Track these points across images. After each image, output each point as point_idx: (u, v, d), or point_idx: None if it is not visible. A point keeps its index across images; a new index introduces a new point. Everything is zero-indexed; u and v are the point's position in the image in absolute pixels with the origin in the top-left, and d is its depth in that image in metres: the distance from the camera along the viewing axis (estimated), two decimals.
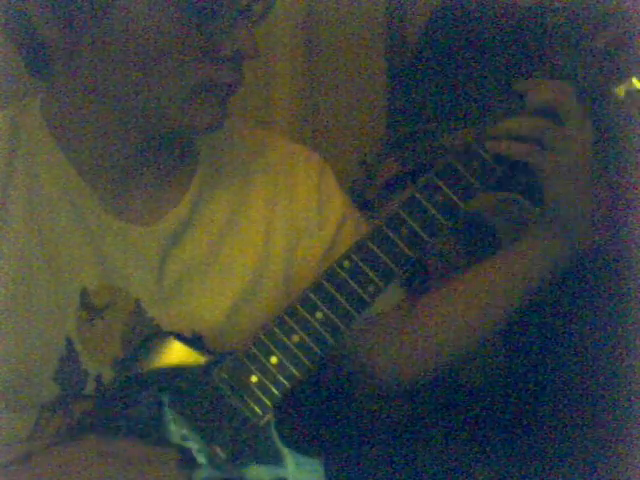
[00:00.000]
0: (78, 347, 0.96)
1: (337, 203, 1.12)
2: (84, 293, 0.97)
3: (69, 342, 0.96)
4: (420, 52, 2.04)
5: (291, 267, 1.08)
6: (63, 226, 0.97)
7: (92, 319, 0.97)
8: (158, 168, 1.01)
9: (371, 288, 0.93)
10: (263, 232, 1.06)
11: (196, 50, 0.89)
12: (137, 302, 0.99)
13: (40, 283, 0.96)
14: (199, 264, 1.02)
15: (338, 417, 1.66)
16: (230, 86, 0.94)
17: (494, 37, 1.90)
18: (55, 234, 0.97)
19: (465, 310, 1.09)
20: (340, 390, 1.30)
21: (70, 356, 0.96)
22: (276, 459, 0.93)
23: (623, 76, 0.91)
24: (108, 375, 0.96)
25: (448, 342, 1.11)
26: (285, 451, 0.93)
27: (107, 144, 0.97)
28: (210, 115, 0.93)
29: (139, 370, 0.91)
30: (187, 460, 0.90)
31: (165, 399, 0.91)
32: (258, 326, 1.01)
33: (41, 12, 0.88)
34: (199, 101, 0.92)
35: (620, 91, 0.92)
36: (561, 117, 0.92)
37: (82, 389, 0.96)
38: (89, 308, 0.97)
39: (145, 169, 1.00)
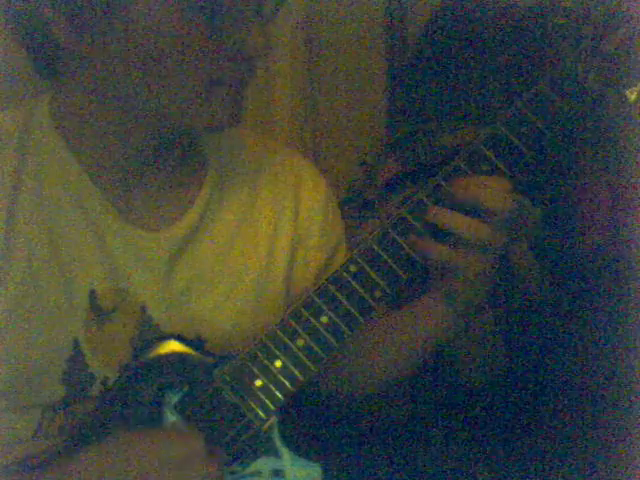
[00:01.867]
0: (85, 349, 0.96)
1: (338, 225, 1.14)
2: (93, 294, 0.97)
3: (76, 344, 0.95)
4: (420, 52, 2.04)
5: (293, 274, 1.08)
6: (71, 228, 0.97)
7: (100, 321, 0.97)
8: (166, 173, 1.01)
9: (377, 293, 0.92)
10: (269, 239, 1.06)
11: (207, 48, 0.89)
12: (142, 307, 0.99)
13: (48, 284, 0.95)
14: (205, 271, 1.02)
15: (338, 417, 1.66)
16: (242, 82, 0.93)
17: (494, 37, 1.90)
18: (63, 236, 0.96)
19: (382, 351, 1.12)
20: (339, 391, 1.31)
21: (77, 358, 0.96)
22: (275, 456, 0.93)
23: (634, 80, 0.90)
24: (114, 378, 0.95)
25: (374, 369, 1.13)
26: (285, 453, 0.92)
27: (115, 146, 0.96)
28: (226, 111, 0.93)
29: (141, 371, 0.91)
30: (211, 444, 0.89)
31: (166, 400, 0.91)
32: (261, 331, 1.02)
33: (54, 13, 0.88)
34: (213, 97, 0.91)
35: (631, 95, 0.92)
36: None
37: (88, 391, 0.96)
38: (97, 310, 0.97)
39: (153, 174, 1.00)
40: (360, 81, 2.14)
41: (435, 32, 2.00)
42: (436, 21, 2.00)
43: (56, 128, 0.98)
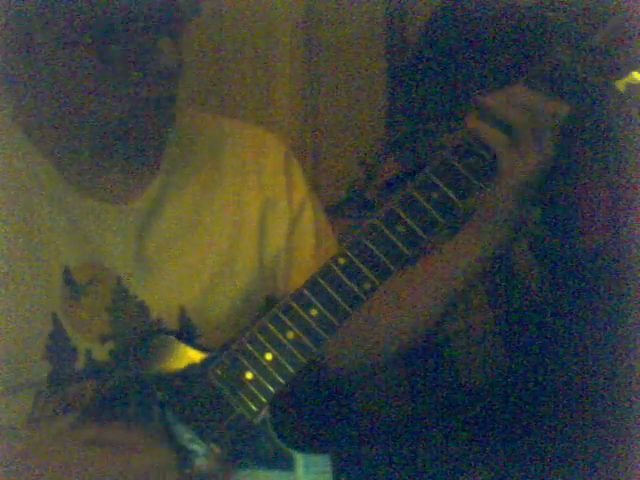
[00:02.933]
0: (65, 323, 0.98)
1: (301, 184, 1.15)
2: (66, 271, 0.99)
3: (55, 319, 0.98)
4: (420, 52, 2.04)
5: (264, 240, 1.10)
6: (40, 211, 1.00)
7: (75, 296, 0.99)
8: (126, 150, 1.03)
9: (366, 285, 0.93)
10: (235, 206, 1.09)
11: (121, 75, 0.92)
12: (118, 278, 1.01)
13: (22, 267, 0.98)
14: (175, 240, 1.04)
15: (339, 417, 1.66)
16: (168, 96, 0.97)
17: (494, 37, 1.90)
18: (33, 219, 0.99)
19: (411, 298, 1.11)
20: (341, 390, 1.30)
21: (58, 332, 0.98)
22: (285, 462, 0.93)
23: (623, 71, 0.91)
24: (97, 350, 0.98)
25: (396, 328, 1.13)
26: (293, 452, 0.93)
27: (74, 132, 1.00)
28: (154, 124, 0.98)
29: (136, 368, 0.93)
30: (178, 447, 0.90)
31: (162, 397, 0.92)
32: (235, 299, 1.04)
33: None
34: (139, 112, 0.95)
35: (621, 86, 0.92)
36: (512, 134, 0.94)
37: (72, 364, 0.98)
38: (72, 285, 0.99)
39: (113, 152, 1.03)
40: (360, 81, 2.14)
41: (435, 32, 2.00)
42: (436, 21, 2.00)
43: (16, 122, 1.01)
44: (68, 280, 0.99)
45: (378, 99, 2.16)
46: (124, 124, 0.97)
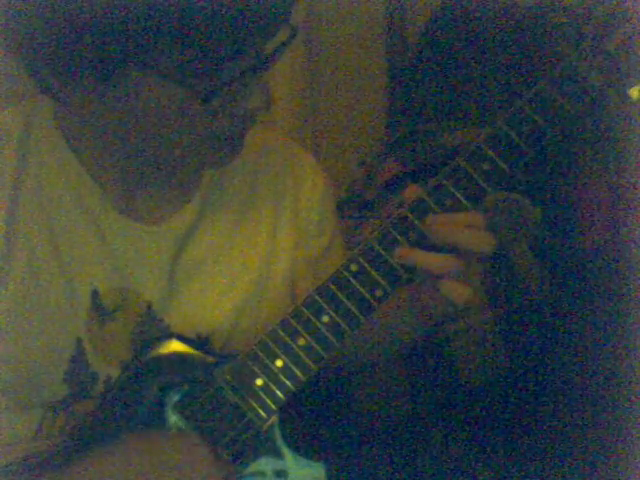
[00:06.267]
0: (87, 348, 0.96)
1: (334, 220, 1.14)
2: (95, 294, 0.97)
3: (79, 343, 0.96)
4: (420, 52, 2.04)
5: (294, 269, 1.09)
6: (72, 226, 0.97)
7: (102, 321, 0.97)
8: (165, 170, 1.01)
9: (378, 292, 0.92)
10: (268, 233, 1.07)
11: (206, 114, 0.88)
12: (148, 304, 0.99)
13: (51, 283, 0.95)
14: (207, 265, 1.02)
15: (338, 417, 1.66)
16: (244, 130, 0.94)
17: (494, 37, 1.90)
18: (64, 234, 0.97)
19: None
20: (340, 390, 1.30)
21: (79, 357, 0.96)
22: (277, 457, 0.93)
23: (636, 78, 0.90)
24: (116, 377, 0.96)
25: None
26: (287, 452, 0.93)
27: (116, 145, 0.96)
28: (224, 155, 0.95)
29: (142, 371, 0.92)
30: (218, 451, 0.90)
31: (167, 400, 0.91)
32: (263, 327, 1.02)
33: (46, 69, 0.86)
34: (212, 146, 0.92)
35: (634, 93, 0.92)
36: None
37: (91, 390, 0.97)
38: (99, 309, 0.97)
39: (153, 171, 1.00)
40: (360, 81, 2.14)
41: (435, 32, 2.00)
42: (436, 21, 2.01)
43: (57, 127, 0.98)
44: (96, 305, 0.97)
45: (378, 99, 2.16)
46: (189, 157, 0.93)
